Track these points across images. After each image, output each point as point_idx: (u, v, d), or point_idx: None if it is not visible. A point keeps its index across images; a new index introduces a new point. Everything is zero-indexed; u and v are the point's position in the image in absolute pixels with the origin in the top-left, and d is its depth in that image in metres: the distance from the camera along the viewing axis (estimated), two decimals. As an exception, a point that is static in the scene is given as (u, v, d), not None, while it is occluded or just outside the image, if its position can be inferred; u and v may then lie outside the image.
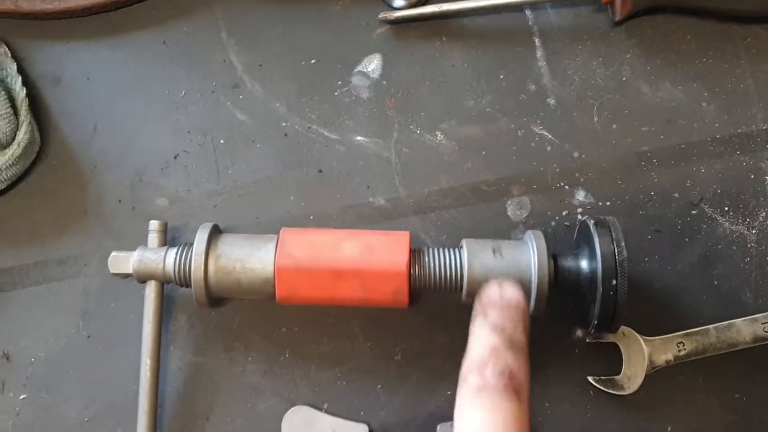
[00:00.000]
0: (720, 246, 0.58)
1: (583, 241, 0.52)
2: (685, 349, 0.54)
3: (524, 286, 0.46)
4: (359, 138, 0.62)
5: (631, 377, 0.54)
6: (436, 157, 0.62)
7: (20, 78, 0.62)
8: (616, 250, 0.48)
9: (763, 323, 0.54)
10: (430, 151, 0.62)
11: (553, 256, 0.51)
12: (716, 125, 0.61)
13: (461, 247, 0.52)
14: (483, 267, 0.50)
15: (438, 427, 0.54)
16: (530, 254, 0.50)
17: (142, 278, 0.54)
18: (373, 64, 0.64)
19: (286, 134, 0.62)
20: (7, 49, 0.63)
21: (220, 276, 0.52)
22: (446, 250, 0.52)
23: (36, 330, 0.59)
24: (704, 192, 0.59)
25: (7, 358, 0.58)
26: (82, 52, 0.65)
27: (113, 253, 0.54)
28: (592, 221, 0.50)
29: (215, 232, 0.53)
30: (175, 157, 0.62)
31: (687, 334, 0.54)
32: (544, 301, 0.50)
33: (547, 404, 0.55)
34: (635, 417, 0.55)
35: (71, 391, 0.57)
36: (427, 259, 0.52)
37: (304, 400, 0.56)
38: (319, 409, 0.55)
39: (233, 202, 0.61)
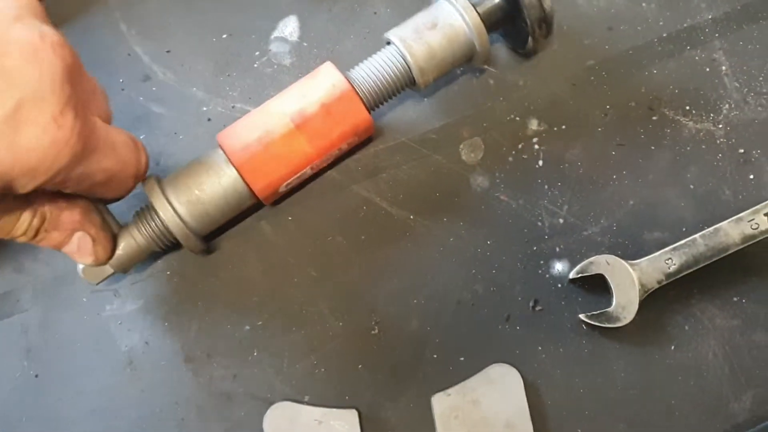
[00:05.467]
0: (688, 147, 0.54)
1: None
2: (674, 264, 0.50)
3: (464, 39, 0.51)
4: (290, 108, 0.57)
5: (625, 306, 0.50)
6: (375, 113, 0.57)
7: None
8: None
9: (749, 221, 0.51)
10: (368, 108, 0.57)
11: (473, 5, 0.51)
12: (660, 23, 0.57)
13: (389, 42, 0.51)
14: (424, 45, 0.50)
15: (432, 399, 0.50)
16: (455, 11, 0.50)
17: (126, 267, 0.49)
18: (290, 27, 0.59)
19: (209, 119, 0.57)
20: None
21: (194, 211, 0.48)
22: (379, 54, 0.52)
23: (-24, 381, 0.53)
24: (661, 95, 0.56)
25: (-50, 418, 0.52)
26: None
27: (80, 266, 0.48)
28: None
29: (158, 182, 0.49)
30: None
31: (674, 248, 0.51)
32: (486, 46, 0.51)
33: (540, 348, 0.51)
34: (635, 345, 0.51)
35: (28, 439, 0.52)
36: (364, 72, 0.51)
37: (282, 396, 0.51)
38: (301, 402, 0.51)
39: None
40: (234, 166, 0.48)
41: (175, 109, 0.57)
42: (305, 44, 0.58)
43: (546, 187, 0.54)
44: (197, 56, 0.59)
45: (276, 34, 0.59)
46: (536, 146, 0.55)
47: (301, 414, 0.50)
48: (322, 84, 0.50)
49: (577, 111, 0.56)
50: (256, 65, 0.58)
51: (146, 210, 0.49)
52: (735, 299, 0.52)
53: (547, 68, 0.57)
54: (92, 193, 0.43)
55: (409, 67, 0.51)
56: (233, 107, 0.57)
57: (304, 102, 0.49)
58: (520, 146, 0.55)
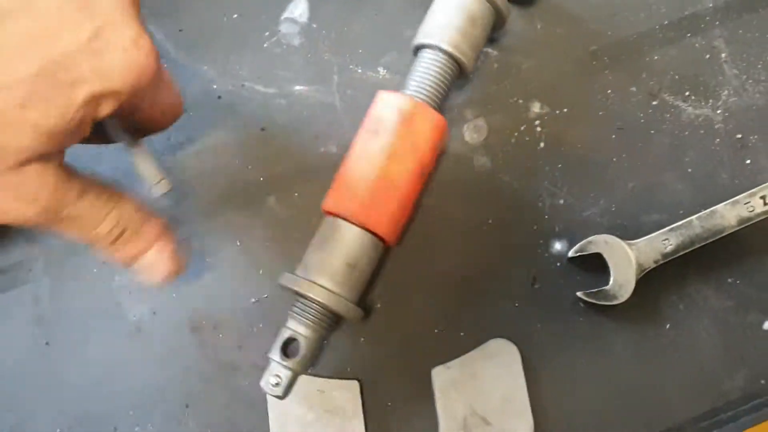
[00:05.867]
0: (687, 132, 0.56)
1: None
2: (671, 244, 0.52)
3: (486, 9, 0.52)
4: (298, 88, 0.58)
5: (623, 284, 0.51)
6: (381, 93, 0.58)
7: None
8: None
9: (745, 203, 0.52)
10: (375, 88, 0.58)
11: None
12: (662, 11, 0.58)
13: (422, 46, 0.53)
14: (457, 32, 0.52)
15: (432, 372, 0.51)
16: None
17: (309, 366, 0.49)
18: (299, 8, 0.60)
19: (219, 96, 0.59)
20: None
21: (344, 284, 0.48)
22: (421, 59, 0.52)
23: (-11, 347, 0.54)
24: (662, 81, 0.57)
25: (-37, 383, 0.54)
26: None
27: (268, 384, 0.48)
28: None
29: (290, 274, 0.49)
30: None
31: (671, 229, 0.52)
32: (506, 5, 0.53)
33: (539, 325, 0.53)
34: (631, 322, 0.53)
35: (37, 405, 0.53)
36: (416, 81, 0.52)
37: (285, 367, 0.52)
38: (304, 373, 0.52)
39: (179, 180, 0.56)
40: (357, 225, 0.48)
41: (186, 86, 0.59)
42: (314, 25, 0.60)
43: (547, 168, 0.56)
44: (208, 36, 0.60)
45: (286, 15, 0.60)
46: (538, 128, 0.56)
47: (303, 383, 0.51)
48: (389, 110, 0.50)
49: (579, 95, 0.57)
50: (266, 45, 0.59)
51: (306, 305, 0.49)
52: (729, 280, 0.53)
53: (551, 52, 0.58)
54: (152, 124, 0.44)
55: (453, 58, 0.52)
56: (243, 85, 0.59)
57: (384, 137, 0.50)
58: (522, 128, 0.57)
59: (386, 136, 0.50)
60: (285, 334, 0.48)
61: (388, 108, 0.51)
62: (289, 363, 0.47)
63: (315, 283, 0.47)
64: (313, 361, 0.49)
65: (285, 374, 0.46)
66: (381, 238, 0.49)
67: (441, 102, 0.52)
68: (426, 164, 0.51)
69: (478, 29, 0.52)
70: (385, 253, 0.53)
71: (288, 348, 0.48)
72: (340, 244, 0.48)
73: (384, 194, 0.49)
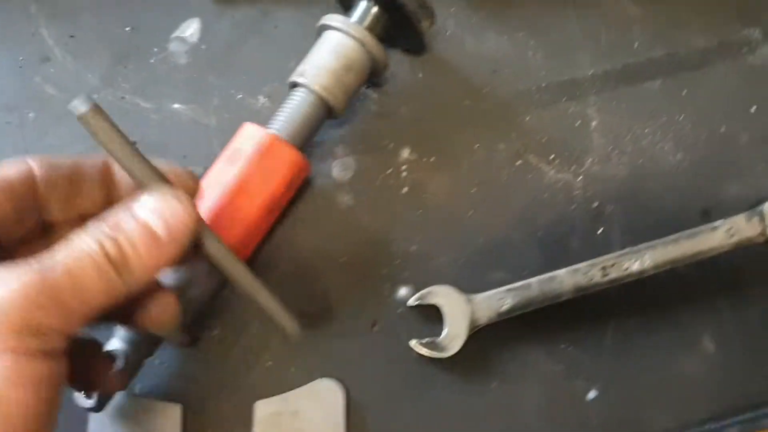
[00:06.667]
0: (545, 195, 0.56)
1: None
2: (507, 304, 0.52)
3: (362, 57, 0.53)
4: (176, 106, 0.59)
5: (454, 338, 0.52)
6: (258, 121, 0.58)
7: None
8: None
9: (585, 272, 0.52)
10: (252, 116, 0.59)
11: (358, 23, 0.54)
12: (542, 73, 0.59)
13: (296, 84, 0.53)
14: (329, 75, 0.53)
15: (255, 405, 0.52)
16: (345, 36, 0.53)
17: None
18: (191, 28, 0.61)
19: (98, 106, 0.59)
20: None
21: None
22: (291, 97, 0.53)
23: None
24: (529, 142, 0.57)
25: None
26: None
27: None
28: None
29: None
30: (-21, 136, 0.58)
31: (509, 289, 0.52)
32: (383, 56, 0.54)
33: (372, 368, 0.53)
34: (460, 376, 0.53)
35: None
36: (282, 118, 0.53)
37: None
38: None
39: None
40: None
41: (67, 93, 0.59)
42: (203, 47, 0.61)
43: (406, 214, 0.56)
44: (98, 45, 0.61)
45: (177, 33, 0.61)
46: (404, 174, 0.57)
47: (124, 402, 0.51)
48: (248, 144, 0.51)
49: (448, 145, 0.58)
50: (152, 61, 0.60)
51: None
52: (562, 346, 0.53)
53: (428, 102, 0.59)
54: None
55: (322, 100, 0.52)
56: (123, 98, 0.59)
57: (237, 168, 0.51)
58: (389, 171, 0.57)
59: (241, 168, 0.50)
60: (105, 348, 0.48)
61: (248, 140, 0.51)
62: None
63: None
64: (131, 379, 0.49)
65: None
66: None
67: (304, 141, 0.53)
68: (277, 200, 0.52)
69: (352, 75, 0.53)
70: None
71: None
72: (173, 271, 0.49)
73: (229, 225, 0.50)
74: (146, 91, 0.60)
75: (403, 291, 0.55)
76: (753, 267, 0.55)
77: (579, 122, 0.58)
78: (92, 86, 0.60)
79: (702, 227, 0.53)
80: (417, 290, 0.54)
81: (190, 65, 0.60)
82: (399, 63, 0.60)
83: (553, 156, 0.57)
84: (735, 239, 0.53)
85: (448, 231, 0.56)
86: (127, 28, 0.61)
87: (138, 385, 0.53)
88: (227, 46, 0.61)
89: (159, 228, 0.37)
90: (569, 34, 0.60)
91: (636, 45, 0.60)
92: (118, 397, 0.50)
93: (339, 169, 0.58)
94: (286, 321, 0.44)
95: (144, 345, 0.49)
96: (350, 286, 0.55)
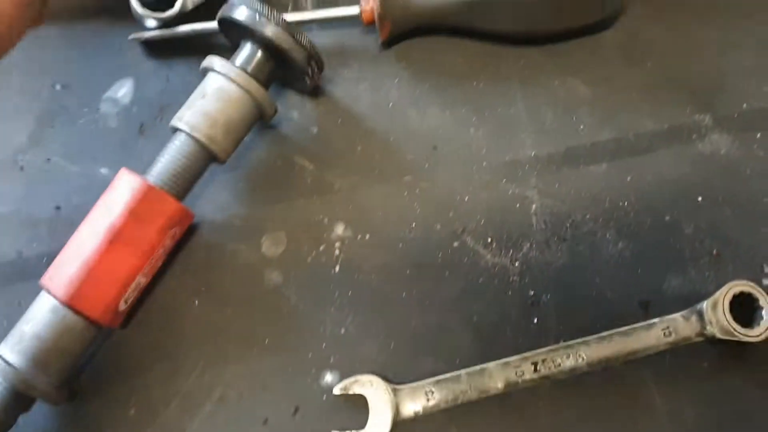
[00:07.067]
0: (481, 280, 0.54)
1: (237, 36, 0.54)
2: (434, 398, 0.50)
3: (244, 100, 0.52)
4: (104, 170, 0.57)
5: (377, 430, 0.49)
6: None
7: None
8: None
9: (515, 367, 0.50)
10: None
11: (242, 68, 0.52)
12: (483, 152, 0.58)
13: (176, 129, 0.51)
14: (206, 118, 0.51)
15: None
16: (224, 79, 0.51)
17: None
18: (124, 89, 0.59)
19: (21, 168, 0.57)
20: None
21: (37, 358, 0.47)
22: (170, 143, 0.52)
23: None
24: (468, 223, 0.56)
25: None
26: None
27: None
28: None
29: None
30: None
31: (437, 381, 0.50)
32: (266, 101, 0.53)
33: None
34: (382, 471, 0.50)
35: None
36: (161, 165, 0.51)
37: None
38: None
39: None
40: (66, 305, 0.47)
41: (-9, 153, 0.57)
42: (135, 109, 0.59)
43: (337, 294, 0.54)
44: (27, 103, 0.59)
45: (109, 94, 0.59)
46: (337, 251, 0.55)
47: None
48: (122, 191, 0.49)
49: (385, 223, 0.56)
50: (81, 121, 0.58)
51: None
52: (491, 443, 0.51)
53: (365, 176, 0.57)
54: None
55: (201, 145, 0.51)
56: (48, 160, 0.57)
57: (111, 216, 0.48)
58: (321, 248, 0.55)
59: (114, 217, 0.49)
60: None
61: (123, 188, 0.49)
62: None
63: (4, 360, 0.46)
64: None
65: None
66: (97, 322, 0.48)
67: (184, 188, 0.51)
68: (153, 248, 0.50)
69: (236, 120, 0.52)
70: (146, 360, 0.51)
71: None
72: (44, 323, 0.47)
73: (102, 280, 0.48)
74: (73, 154, 0.58)
75: (329, 377, 0.52)
76: (690, 363, 0.53)
77: (518, 204, 0.56)
78: (17, 146, 0.58)
79: (638, 324, 0.51)
80: (343, 376, 0.52)
81: (120, 128, 0.59)
82: (337, 133, 0.58)
83: (490, 239, 0.55)
84: (672, 338, 0.51)
85: (379, 314, 0.54)
86: (58, 86, 0.59)
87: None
88: (160, 106, 0.59)
89: None
90: (513, 113, 0.59)
91: (582, 127, 0.58)
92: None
93: (269, 244, 0.56)
94: None
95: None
96: (272, 370, 0.52)
